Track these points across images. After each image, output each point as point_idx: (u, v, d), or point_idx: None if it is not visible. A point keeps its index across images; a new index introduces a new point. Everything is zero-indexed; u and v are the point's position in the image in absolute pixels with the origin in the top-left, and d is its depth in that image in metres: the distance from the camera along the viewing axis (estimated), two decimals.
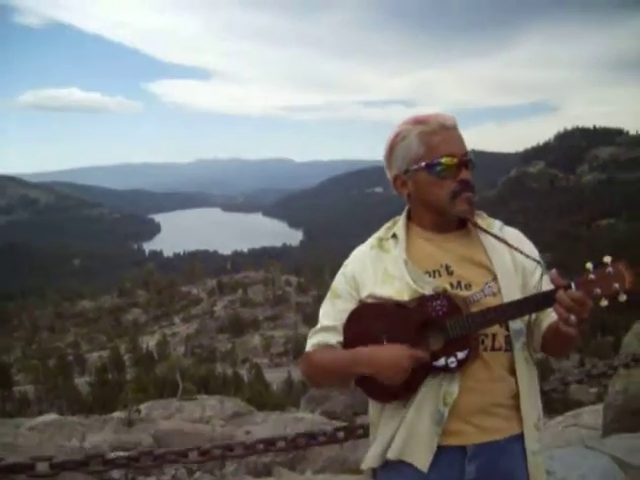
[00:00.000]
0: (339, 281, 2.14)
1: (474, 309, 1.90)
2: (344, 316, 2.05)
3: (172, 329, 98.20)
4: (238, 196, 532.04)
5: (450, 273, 2.00)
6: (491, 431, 1.94)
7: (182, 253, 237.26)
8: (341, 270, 2.16)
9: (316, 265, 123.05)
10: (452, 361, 1.87)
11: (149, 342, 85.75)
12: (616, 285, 1.71)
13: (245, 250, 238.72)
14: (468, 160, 2.01)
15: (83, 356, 78.30)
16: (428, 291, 1.94)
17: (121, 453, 3.87)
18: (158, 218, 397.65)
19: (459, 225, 2.10)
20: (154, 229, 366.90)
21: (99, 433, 9.73)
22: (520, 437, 1.97)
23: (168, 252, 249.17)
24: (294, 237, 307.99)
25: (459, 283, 1.98)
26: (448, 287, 1.96)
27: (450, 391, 1.90)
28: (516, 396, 1.97)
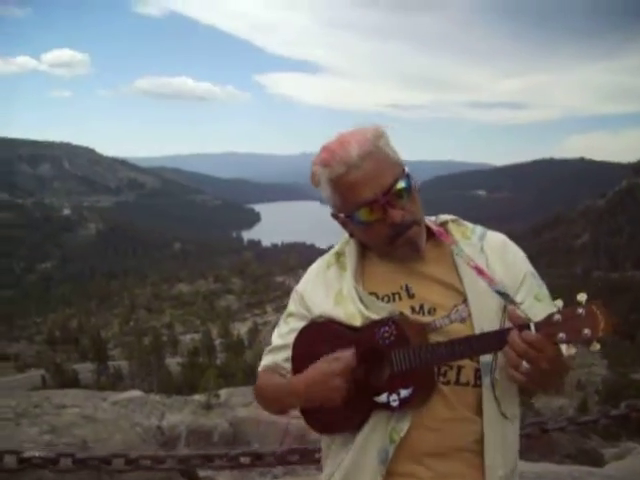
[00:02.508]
0: (292, 299, 1.94)
1: (438, 338, 1.65)
2: (295, 335, 1.87)
3: (264, 318, 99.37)
4: None
5: (411, 296, 1.74)
6: (448, 477, 1.68)
7: (280, 244, 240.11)
8: (295, 287, 1.96)
9: None
10: (394, 399, 1.62)
11: (240, 329, 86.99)
12: (586, 331, 1.37)
13: None
14: (393, 195, 1.68)
15: (176, 337, 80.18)
16: (381, 316, 1.70)
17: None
18: (259, 208, 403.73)
19: (426, 236, 1.82)
20: (254, 218, 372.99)
21: (178, 414, 9.67)
22: None
23: (266, 242, 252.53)
24: None
25: (422, 307, 1.72)
26: (408, 312, 1.71)
27: (398, 428, 1.66)
28: (482, 440, 1.69)
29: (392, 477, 1.68)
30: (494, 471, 1.68)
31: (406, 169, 1.73)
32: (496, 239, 1.83)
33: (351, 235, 1.85)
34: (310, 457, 3.88)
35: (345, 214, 1.75)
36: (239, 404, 11.28)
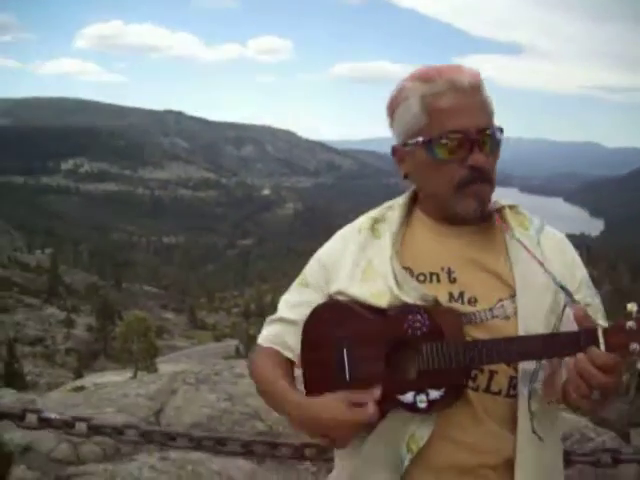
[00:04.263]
0: (311, 267, 1.68)
1: (475, 332, 1.42)
2: (308, 311, 1.58)
3: None
4: (539, 178, 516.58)
5: (452, 280, 1.50)
6: None
7: None
8: (317, 253, 1.70)
9: (612, 259, 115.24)
10: (422, 400, 1.38)
11: None
12: None
13: None
14: (485, 138, 1.47)
15: None
16: (413, 300, 1.44)
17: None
18: None
19: (481, 217, 1.55)
20: None
21: None
22: None
23: None
24: (595, 227, 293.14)
25: (462, 295, 1.48)
26: (445, 299, 1.46)
27: (418, 435, 1.42)
28: (511, 460, 1.45)
29: None
30: None
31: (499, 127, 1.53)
32: (556, 234, 1.61)
33: (405, 177, 1.60)
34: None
35: (425, 138, 1.47)
36: None
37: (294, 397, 1.49)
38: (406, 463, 1.43)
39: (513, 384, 1.44)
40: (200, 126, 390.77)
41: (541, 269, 1.47)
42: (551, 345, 1.31)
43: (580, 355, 1.24)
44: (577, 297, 1.46)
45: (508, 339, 1.36)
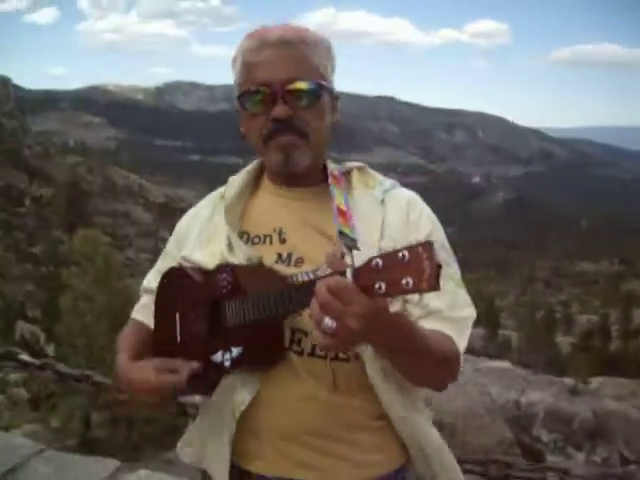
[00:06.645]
0: (173, 235, 1.74)
1: None
2: None
3: None
4: None
5: (282, 241, 1.51)
6: (311, 469, 1.43)
7: None
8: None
9: None
10: (227, 358, 1.39)
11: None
12: (408, 280, 1.02)
13: None
14: (292, 92, 1.44)
15: (572, 316, 78.35)
16: (239, 261, 1.46)
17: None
18: None
19: (324, 178, 1.57)
20: None
21: (539, 392, 9.91)
22: None
23: None
24: None
25: (289, 256, 1.47)
26: (272, 259, 1.47)
27: (239, 400, 1.44)
28: (352, 427, 1.44)
29: (235, 455, 1.48)
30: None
31: (328, 85, 1.51)
32: (403, 195, 1.58)
33: (244, 135, 1.58)
34: None
35: (239, 93, 1.51)
36: (610, 395, 11.19)
37: (124, 361, 1.55)
38: (234, 428, 1.44)
39: None
40: (412, 111, 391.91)
41: (379, 233, 1.45)
42: (309, 291, 1.16)
43: (320, 281, 1.12)
44: None
45: (279, 291, 1.31)
